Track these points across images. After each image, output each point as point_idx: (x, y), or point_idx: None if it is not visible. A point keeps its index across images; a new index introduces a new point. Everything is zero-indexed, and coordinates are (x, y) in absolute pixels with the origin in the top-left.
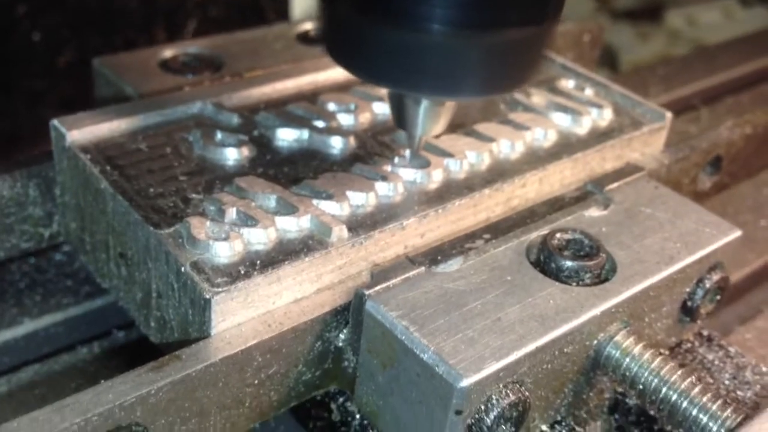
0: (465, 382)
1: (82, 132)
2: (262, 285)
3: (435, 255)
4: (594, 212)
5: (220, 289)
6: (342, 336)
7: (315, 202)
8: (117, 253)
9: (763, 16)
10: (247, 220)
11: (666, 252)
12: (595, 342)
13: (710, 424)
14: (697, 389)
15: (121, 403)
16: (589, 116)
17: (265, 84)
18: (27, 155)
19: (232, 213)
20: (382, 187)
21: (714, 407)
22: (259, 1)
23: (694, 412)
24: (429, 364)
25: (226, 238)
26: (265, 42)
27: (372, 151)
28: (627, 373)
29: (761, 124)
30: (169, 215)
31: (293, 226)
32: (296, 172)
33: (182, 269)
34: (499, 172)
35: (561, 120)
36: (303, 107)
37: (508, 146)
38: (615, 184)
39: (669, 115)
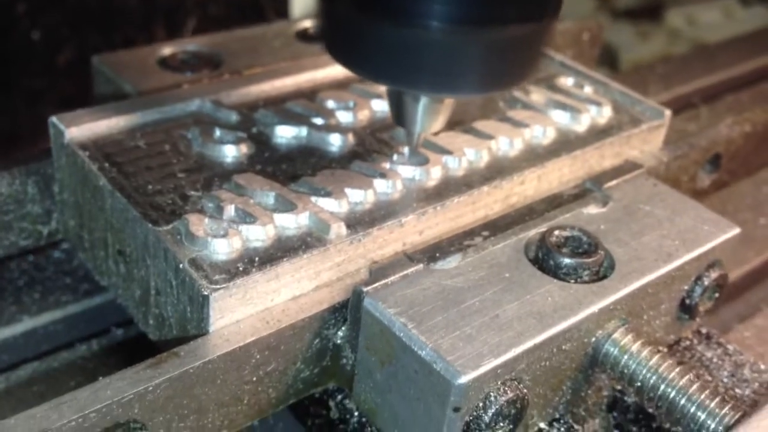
0: (463, 379)
1: (80, 129)
2: (261, 282)
3: (433, 252)
4: (592, 209)
5: (218, 286)
6: (340, 333)
7: (313, 199)
8: (115, 250)
9: (763, 15)
10: (246, 217)
11: (664, 249)
12: (594, 339)
13: (708, 421)
14: (695, 387)
15: (119, 400)
16: (588, 114)
17: (264, 81)
18: (26, 153)
19: (230, 210)
20: (380, 185)
21: (712, 404)
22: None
23: (692, 410)
24: (427, 361)
25: (224, 235)
26: (264, 40)
27: (371, 148)
28: (625, 371)
29: (760, 122)
30: (168, 212)
31: (292, 223)
32: (295, 170)
33: (180, 266)
34: (498, 170)
35: (560, 117)
36: (302, 104)
37: (506, 144)
38: (614, 182)
39: (668, 112)
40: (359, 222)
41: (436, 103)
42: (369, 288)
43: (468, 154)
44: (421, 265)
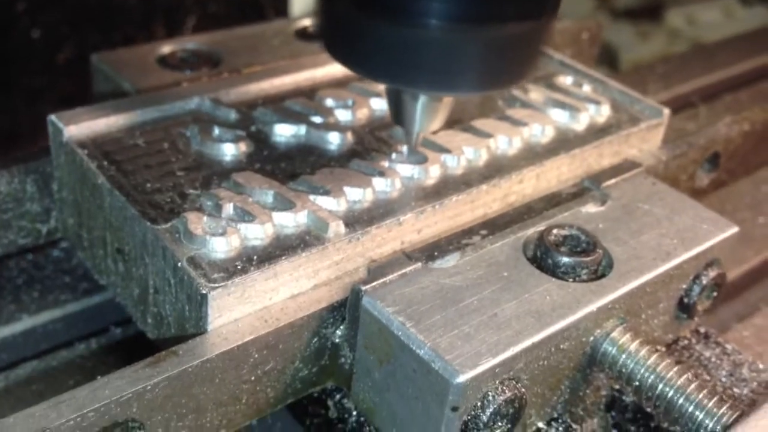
0: (461, 378)
1: (79, 127)
2: (259, 280)
3: (432, 251)
4: (591, 208)
5: (216, 285)
6: (339, 332)
7: (312, 197)
8: (114, 248)
9: (764, 14)
10: (244, 215)
11: (663, 248)
12: (592, 338)
13: (706, 420)
14: (693, 386)
15: (118, 399)
16: (587, 112)
17: (263, 80)
18: (25, 151)
19: (229, 208)
20: (379, 183)
21: (710, 404)
22: None
23: (691, 409)
24: (425, 360)
25: (223, 234)
26: (263, 38)
27: (369, 146)
28: (623, 370)
29: (759, 121)
30: (166, 210)
31: (290, 221)
32: (293, 168)
33: (179, 264)
34: (497, 168)
35: (559, 116)
36: (301, 103)
37: (505, 142)
38: (612, 181)
39: (667, 111)
40: (358, 220)
41: (435, 102)
42: (367, 287)
43: (467, 153)
44: (419, 264)
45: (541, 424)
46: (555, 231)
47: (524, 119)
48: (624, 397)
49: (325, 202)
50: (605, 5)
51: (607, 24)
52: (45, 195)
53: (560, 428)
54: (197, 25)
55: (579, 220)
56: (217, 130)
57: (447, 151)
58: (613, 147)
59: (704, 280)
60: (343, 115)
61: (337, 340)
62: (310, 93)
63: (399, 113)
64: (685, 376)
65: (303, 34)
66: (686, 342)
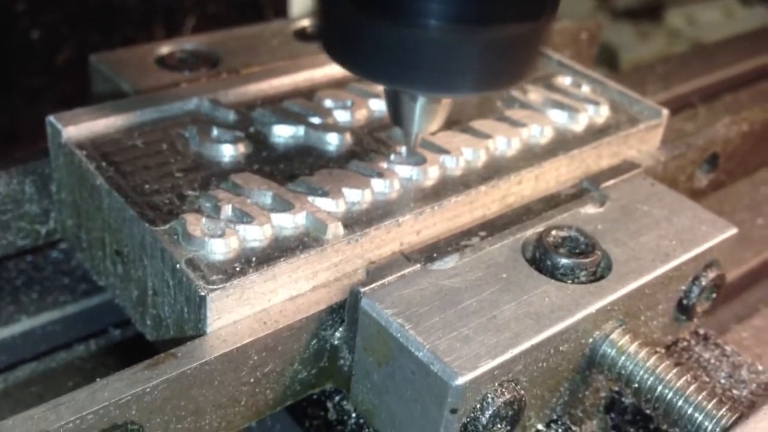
0: (460, 381)
1: (78, 128)
2: (258, 282)
3: (431, 252)
4: (590, 209)
5: (215, 287)
6: (338, 334)
7: (311, 198)
8: (113, 250)
9: (764, 14)
10: (243, 216)
11: (662, 249)
12: (591, 340)
13: (705, 422)
14: (692, 388)
15: (117, 401)
16: (586, 113)
17: (262, 80)
18: (25, 152)
19: (227, 210)
20: (378, 184)
21: (709, 406)
22: None
23: (690, 411)
24: (424, 362)
25: (221, 235)
26: (262, 38)
27: (368, 147)
28: (622, 372)
29: (758, 121)
30: (165, 212)
31: (289, 223)
32: (292, 169)
33: (177, 266)
34: (495, 169)
35: (557, 117)
36: (299, 104)
37: (504, 143)
38: (611, 182)
39: (665, 112)
40: (356, 222)
41: (434, 103)
42: (366, 288)
43: (465, 154)
44: (418, 266)
45: (540, 426)
46: (554, 232)
47: (523, 120)
48: (623, 399)
49: (323, 203)
50: (605, 5)
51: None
52: (44, 196)
53: (559, 430)
54: (197, 26)
55: (578, 221)
56: (215, 131)
57: (446, 152)
58: (611, 148)
59: (703, 282)
60: (341, 116)
61: (336, 342)
62: (308, 94)
63: (398, 114)
64: (684, 377)
65: (302, 35)
66: (685, 343)
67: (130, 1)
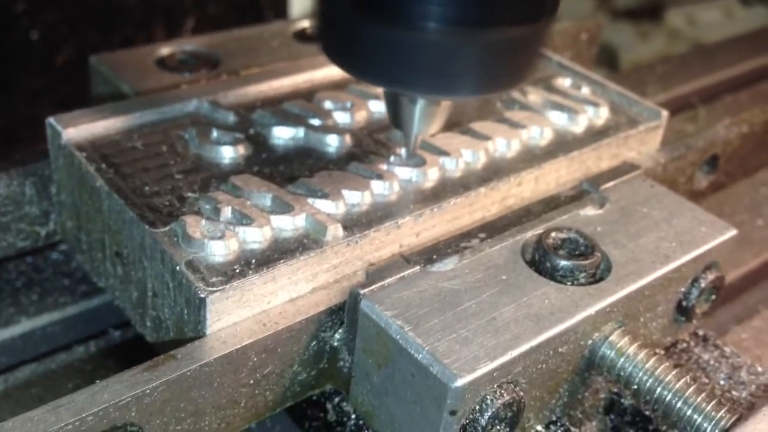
0: (459, 382)
1: (77, 130)
2: (258, 284)
3: (430, 254)
4: (589, 211)
5: (215, 289)
6: (337, 335)
7: (310, 200)
8: (113, 251)
9: (764, 15)
10: (243, 218)
11: (661, 251)
12: (590, 342)
13: (705, 424)
14: (691, 389)
15: (116, 403)
16: (586, 115)
17: (262, 82)
18: (25, 153)
19: (227, 212)
20: (377, 186)
21: (708, 407)
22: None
23: (689, 413)
24: (423, 364)
25: (221, 237)
26: (262, 40)
27: (368, 149)
28: (622, 373)
29: (758, 122)
30: (165, 214)
31: (288, 224)
32: (292, 171)
33: (177, 268)
34: (495, 171)
35: (557, 118)
36: (299, 105)
37: (504, 145)
38: (611, 183)
39: (665, 113)
40: (356, 224)
41: (433, 106)
42: (366, 290)
43: (465, 156)
44: (417, 267)
45: (539, 428)
46: (553, 234)
47: (523, 122)
48: (622, 400)
49: (323, 205)
50: (605, 5)
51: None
52: (44, 198)
53: (559, 431)
54: (196, 27)
55: (577, 223)
56: (215, 133)
57: (445, 153)
58: (611, 149)
59: (703, 283)
60: (341, 118)
61: (335, 344)
62: (308, 95)
63: (397, 117)
64: (683, 379)
65: (302, 36)
66: (685, 345)
67: (130, 2)
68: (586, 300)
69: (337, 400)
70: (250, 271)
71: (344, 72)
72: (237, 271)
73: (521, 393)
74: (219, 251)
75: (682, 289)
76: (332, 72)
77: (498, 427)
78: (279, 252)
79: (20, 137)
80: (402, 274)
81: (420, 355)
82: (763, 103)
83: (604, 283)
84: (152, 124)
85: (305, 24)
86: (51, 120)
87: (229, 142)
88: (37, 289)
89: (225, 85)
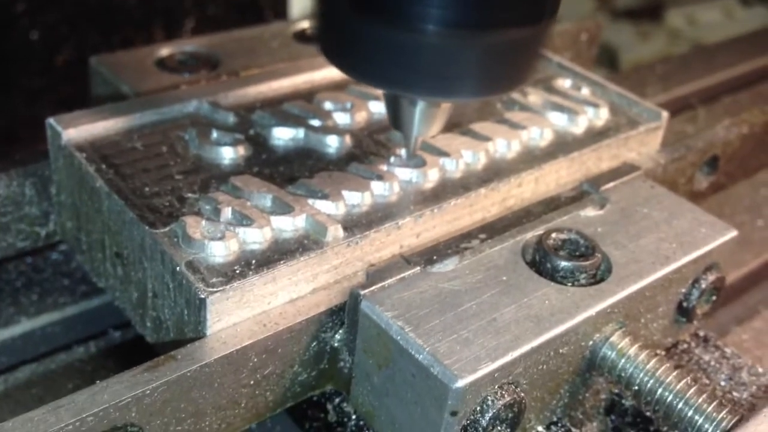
0: (460, 383)
1: (77, 130)
2: (258, 285)
3: (430, 255)
4: (590, 212)
5: (215, 289)
6: (338, 336)
7: (310, 201)
8: (113, 252)
9: (764, 15)
10: (243, 219)
11: (662, 252)
12: (591, 343)
13: (705, 425)
14: (692, 390)
15: (117, 404)
16: (586, 115)
17: (262, 83)
18: (24, 154)
19: (227, 212)
20: (377, 187)
21: (709, 408)
22: (257, 0)
23: (690, 413)
24: (424, 365)
25: (221, 238)
26: (262, 40)
27: (368, 150)
28: (622, 374)
29: (758, 123)
30: (165, 214)
31: (289, 225)
32: (292, 171)
33: (177, 269)
34: (495, 172)
35: (557, 119)
36: (299, 106)
37: (504, 145)
38: (611, 184)
39: (665, 114)
40: (356, 224)
41: (433, 107)
42: (366, 291)
43: (465, 156)
44: (418, 268)
45: (540, 428)
46: (554, 235)
47: (523, 122)
48: (623, 401)
49: (323, 206)
50: (605, 5)
51: (607, 24)
52: (44, 198)
53: None
54: (196, 28)
55: (578, 223)
56: (215, 134)
57: (446, 154)
58: (611, 150)
59: (703, 284)
60: (341, 118)
61: (336, 344)
62: (308, 96)
63: (397, 118)
64: (684, 380)
65: (301, 37)
66: (685, 346)
67: (130, 2)
68: (587, 301)
69: (337, 400)
70: (251, 272)
71: (343, 74)
72: (237, 271)
73: (522, 394)
74: (219, 252)
75: (683, 290)
76: (332, 73)
77: (499, 427)
78: (279, 253)
79: (20, 137)
80: (402, 275)
81: (421, 356)
82: (763, 103)
83: (605, 284)
84: (152, 124)
85: (305, 25)
86: (51, 120)
87: (229, 142)
88: (37, 290)
89: (225, 86)
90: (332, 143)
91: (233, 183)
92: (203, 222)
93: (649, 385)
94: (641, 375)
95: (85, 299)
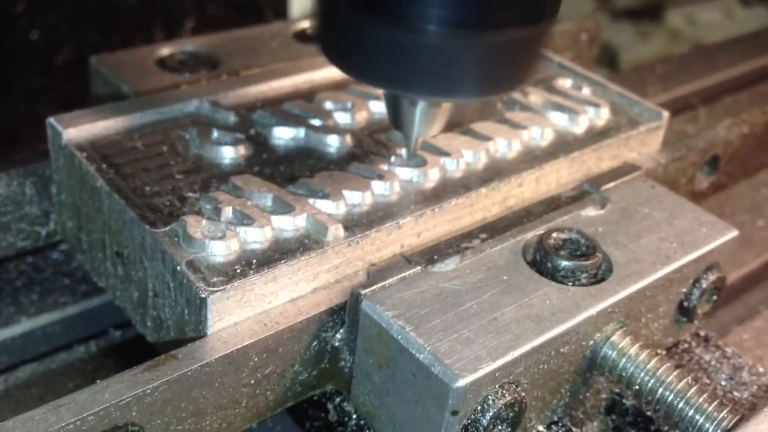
0: (461, 383)
1: (78, 130)
2: (258, 284)
3: (431, 254)
4: (590, 212)
5: (215, 289)
6: (338, 336)
7: (311, 201)
8: (113, 251)
9: (764, 15)
10: (244, 219)
11: (662, 252)
12: (592, 342)
13: (706, 424)
14: (693, 390)
15: (117, 403)
16: (586, 115)
17: (262, 82)
18: (25, 153)
19: (228, 212)
20: (378, 186)
21: (710, 408)
22: (257, 0)
23: (690, 413)
24: (425, 364)
25: (222, 237)
26: (262, 40)
27: (369, 149)
28: (623, 374)
29: (758, 123)
30: (165, 214)
31: (289, 225)
32: (292, 171)
33: (178, 268)
34: (496, 172)
35: (558, 119)
36: (300, 106)
37: (504, 145)
38: (612, 184)
39: (666, 114)
40: (357, 224)
41: (434, 107)
42: (367, 290)
43: (466, 156)
44: (419, 268)
45: (541, 428)
46: (554, 235)
47: (523, 122)
48: (624, 401)
49: (324, 205)
50: (605, 5)
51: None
52: (44, 198)
53: (560, 431)
54: (196, 27)
55: (578, 223)
56: (215, 133)
57: (446, 154)
58: (612, 150)
59: (704, 284)
60: (342, 118)
61: (336, 344)
62: (308, 95)
63: (398, 118)
64: (685, 379)
65: (302, 36)
66: (686, 345)
67: (130, 2)
68: (588, 300)
69: (338, 400)
70: (251, 271)
71: (344, 74)
72: (238, 271)
73: (523, 393)
74: (220, 251)
75: (684, 290)
76: (332, 72)
77: (500, 427)
78: (280, 252)
79: (20, 137)
80: (403, 275)
81: (421, 356)
82: (764, 103)
83: (606, 283)
84: (153, 124)
85: (305, 24)
86: (51, 120)
87: (229, 142)
88: (37, 289)
89: (225, 86)
90: (333, 143)
91: (234, 182)
92: (204, 221)
93: (649, 385)
94: (642, 374)
95: (86, 299)
